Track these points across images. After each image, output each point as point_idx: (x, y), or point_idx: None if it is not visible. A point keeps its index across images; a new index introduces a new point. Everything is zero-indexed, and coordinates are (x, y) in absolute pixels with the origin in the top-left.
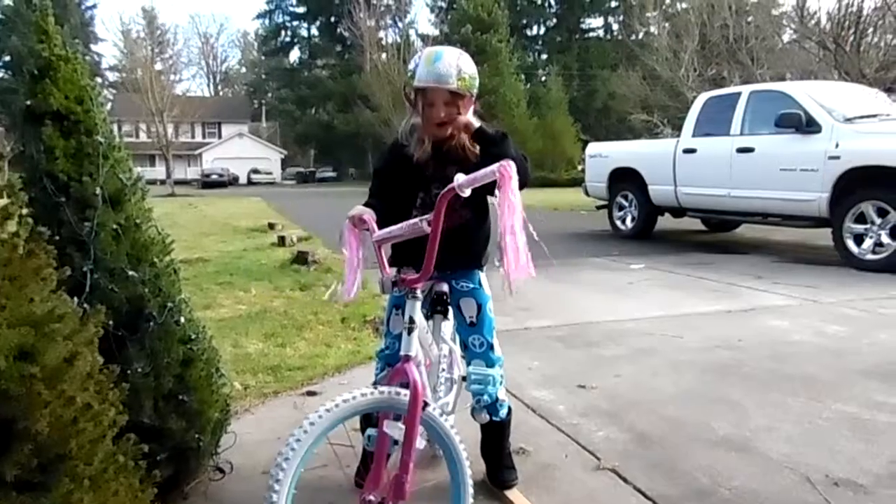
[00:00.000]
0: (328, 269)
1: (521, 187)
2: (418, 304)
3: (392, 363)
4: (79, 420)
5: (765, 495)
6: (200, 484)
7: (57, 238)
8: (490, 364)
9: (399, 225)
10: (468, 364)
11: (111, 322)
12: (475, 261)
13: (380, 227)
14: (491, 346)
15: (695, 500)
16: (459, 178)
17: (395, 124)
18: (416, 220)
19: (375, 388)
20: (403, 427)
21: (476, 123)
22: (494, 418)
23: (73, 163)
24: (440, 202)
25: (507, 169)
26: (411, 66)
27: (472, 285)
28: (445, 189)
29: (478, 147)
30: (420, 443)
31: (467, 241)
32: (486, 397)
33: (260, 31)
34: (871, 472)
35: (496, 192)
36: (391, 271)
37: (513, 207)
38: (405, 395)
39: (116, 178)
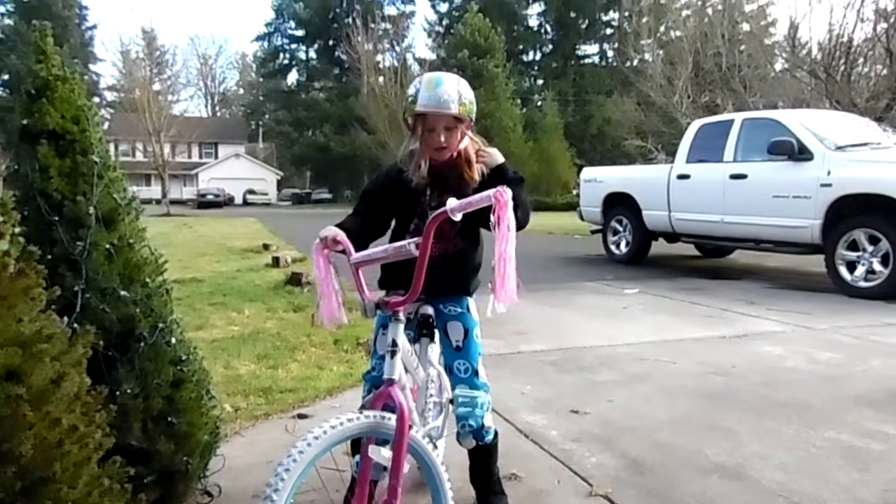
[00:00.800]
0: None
1: (519, 229)
2: (401, 327)
3: (378, 385)
4: (64, 442)
5: None
6: None
7: (49, 257)
8: (474, 388)
9: (383, 247)
10: (453, 388)
11: (101, 342)
12: (464, 288)
13: (356, 249)
14: (476, 372)
15: None
16: (452, 202)
17: (391, 147)
18: (402, 242)
19: (362, 412)
20: (390, 452)
21: (472, 149)
22: (481, 443)
23: (67, 182)
24: (430, 225)
25: (503, 195)
26: (411, 91)
27: (459, 310)
28: (437, 212)
29: (476, 173)
30: (405, 466)
31: (458, 269)
32: (471, 421)
33: (258, 54)
34: (865, 501)
35: (490, 219)
36: (375, 294)
37: (505, 235)
38: (391, 419)
39: (111, 198)
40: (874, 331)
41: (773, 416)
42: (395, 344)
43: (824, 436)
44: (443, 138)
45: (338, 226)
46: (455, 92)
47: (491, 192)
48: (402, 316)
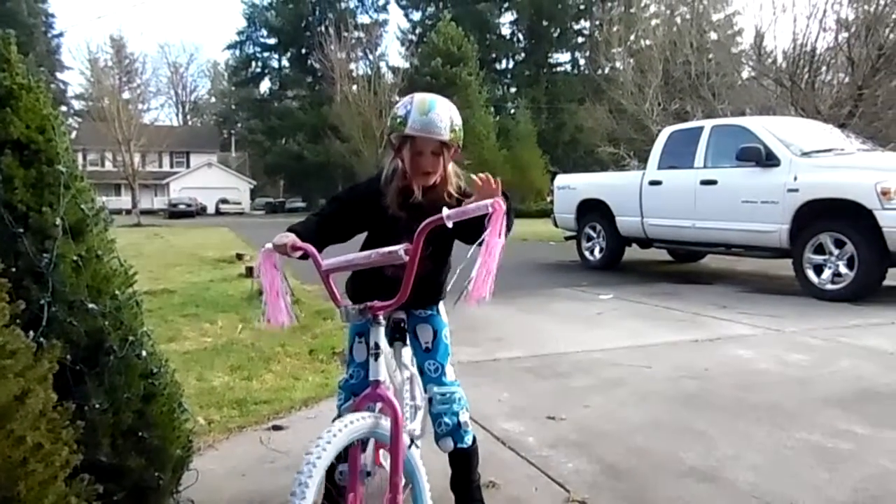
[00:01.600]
0: (296, 301)
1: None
2: (382, 331)
3: (357, 392)
4: (29, 461)
5: None
6: None
7: (13, 270)
8: (444, 386)
9: (363, 253)
10: (425, 388)
11: (69, 356)
12: (434, 300)
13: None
14: (444, 371)
15: None
16: (447, 210)
17: (365, 156)
18: (391, 248)
19: (364, 412)
20: (388, 454)
21: (453, 176)
22: (460, 445)
23: (32, 193)
24: (422, 231)
25: (500, 203)
26: (401, 112)
27: (428, 312)
28: (432, 219)
29: (457, 202)
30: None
31: (428, 286)
32: (447, 419)
33: (230, 62)
34: (834, 500)
35: (485, 225)
36: (345, 301)
37: (497, 243)
38: (385, 418)
39: (78, 209)
40: (842, 332)
41: (745, 418)
42: (377, 347)
43: (795, 436)
44: (429, 163)
45: (290, 230)
46: (447, 118)
47: (489, 200)
48: (381, 320)
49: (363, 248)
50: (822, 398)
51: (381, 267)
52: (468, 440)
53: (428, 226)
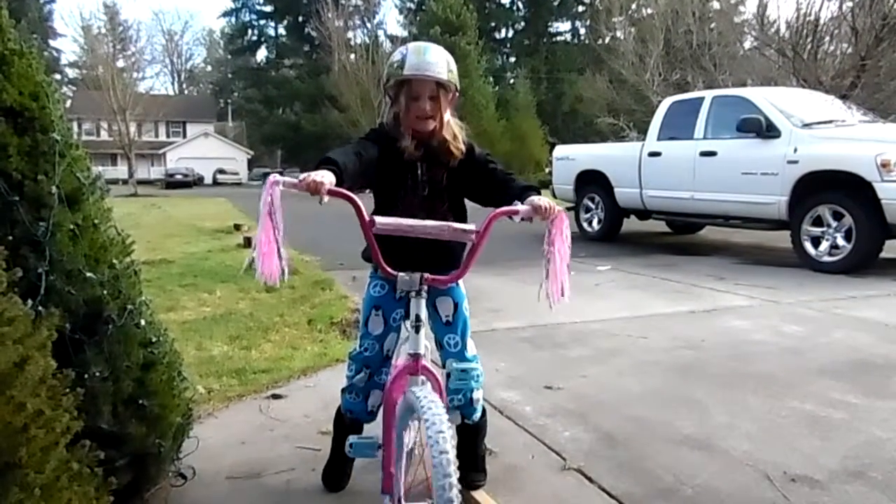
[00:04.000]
0: (294, 271)
1: None
2: (423, 303)
3: (371, 365)
4: (29, 427)
5: (726, 492)
6: (161, 490)
7: (10, 238)
8: (464, 361)
9: (434, 224)
10: (443, 363)
11: (68, 325)
12: (455, 265)
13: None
14: (465, 346)
15: (659, 498)
16: (535, 200)
17: (363, 125)
18: (465, 226)
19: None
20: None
21: (455, 123)
22: (467, 420)
23: (27, 161)
24: (494, 217)
25: (564, 213)
26: (397, 57)
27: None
28: (505, 209)
29: (462, 146)
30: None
31: (450, 248)
32: (461, 396)
33: (226, 30)
34: (826, 468)
35: (549, 231)
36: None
37: (563, 251)
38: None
39: (73, 177)
40: (837, 304)
41: (740, 387)
42: (418, 319)
43: (789, 406)
44: (427, 107)
45: (329, 166)
46: (444, 60)
47: (558, 207)
48: (424, 293)
49: (378, 206)
50: (816, 369)
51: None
52: (476, 417)
53: (500, 214)
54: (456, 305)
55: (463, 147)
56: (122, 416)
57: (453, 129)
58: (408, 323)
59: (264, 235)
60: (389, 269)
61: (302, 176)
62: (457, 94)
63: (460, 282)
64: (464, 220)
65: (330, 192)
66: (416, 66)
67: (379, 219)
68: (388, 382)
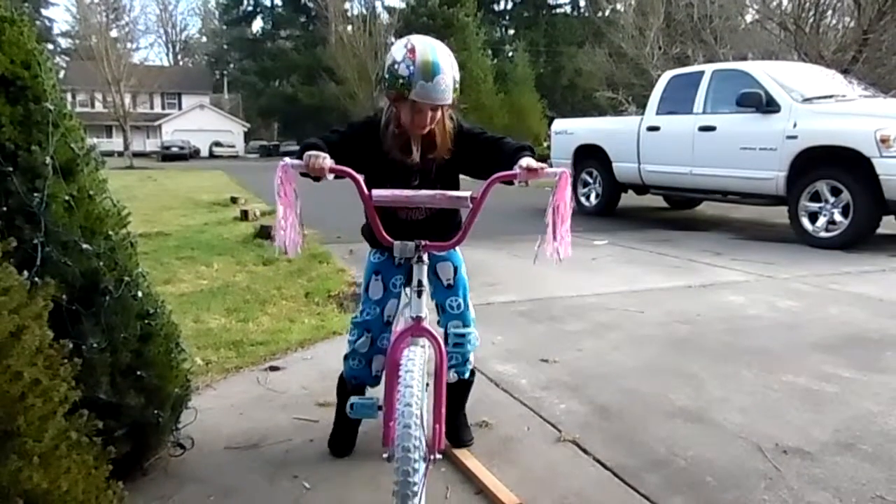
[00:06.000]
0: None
1: None
2: (425, 269)
3: (372, 329)
4: (27, 396)
5: (718, 464)
6: (161, 460)
7: (4, 209)
8: (467, 324)
9: (427, 192)
10: (444, 325)
11: (64, 296)
12: (455, 232)
13: None
14: (467, 306)
15: (652, 469)
16: (524, 162)
17: (360, 98)
18: (458, 193)
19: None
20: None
21: (447, 119)
22: (461, 377)
23: (20, 131)
24: (493, 181)
25: (568, 174)
26: (402, 71)
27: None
28: (504, 173)
29: (450, 141)
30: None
31: (449, 223)
32: (458, 356)
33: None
34: (817, 441)
35: (553, 193)
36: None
37: (564, 212)
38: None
39: (68, 148)
40: (833, 279)
41: (734, 361)
42: (420, 284)
43: (782, 379)
44: (428, 120)
45: (314, 147)
46: (451, 79)
47: (559, 169)
48: (426, 259)
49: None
50: (810, 343)
51: (394, 210)
52: (467, 374)
53: (496, 179)
54: (455, 269)
55: (450, 142)
56: (121, 386)
57: (446, 128)
58: (407, 289)
59: (281, 211)
60: (387, 237)
61: (305, 158)
62: (456, 102)
63: (458, 248)
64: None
65: (332, 170)
66: (423, 93)
67: (376, 191)
68: (391, 343)
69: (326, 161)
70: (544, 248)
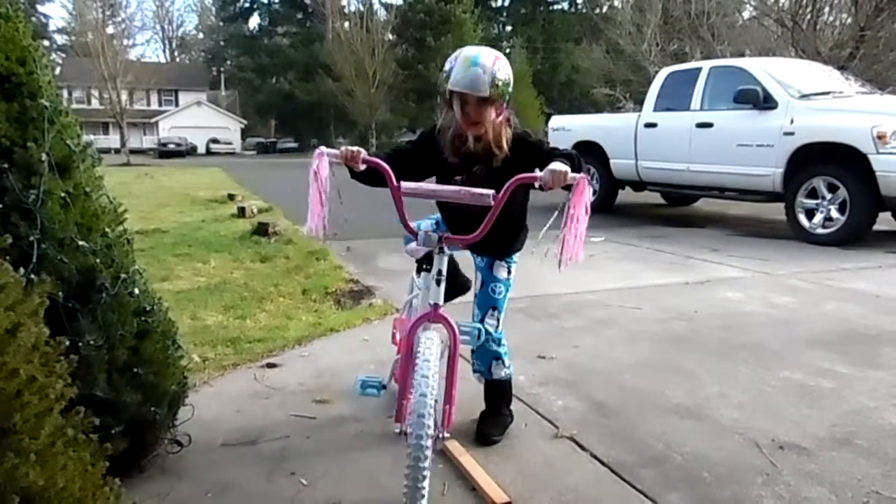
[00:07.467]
0: (289, 241)
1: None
2: (445, 259)
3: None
4: (23, 393)
5: (715, 459)
6: (158, 457)
7: (0, 206)
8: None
9: (452, 187)
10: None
11: (61, 293)
12: (515, 249)
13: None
14: (500, 321)
15: (649, 465)
16: (552, 166)
17: (358, 95)
18: (482, 190)
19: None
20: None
21: (503, 126)
22: (489, 379)
23: (16, 127)
24: (512, 183)
25: (585, 180)
26: (448, 66)
27: (509, 260)
28: (524, 176)
29: (505, 148)
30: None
31: (514, 229)
32: (487, 355)
33: None
34: (813, 436)
35: (569, 198)
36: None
37: (579, 216)
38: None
39: (64, 145)
40: (829, 276)
41: (731, 358)
42: (440, 273)
43: (779, 376)
44: (473, 113)
45: (375, 156)
46: (489, 73)
47: (577, 175)
48: (447, 250)
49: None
50: (806, 339)
51: (460, 209)
52: (497, 375)
53: (518, 181)
54: (509, 270)
55: (506, 147)
56: (117, 383)
57: (500, 133)
58: (420, 279)
59: (313, 197)
60: (412, 226)
61: (342, 150)
62: (504, 103)
63: (513, 270)
64: (515, 209)
65: (364, 161)
66: (461, 81)
67: (405, 183)
68: (408, 326)
69: (361, 153)
70: (555, 252)
